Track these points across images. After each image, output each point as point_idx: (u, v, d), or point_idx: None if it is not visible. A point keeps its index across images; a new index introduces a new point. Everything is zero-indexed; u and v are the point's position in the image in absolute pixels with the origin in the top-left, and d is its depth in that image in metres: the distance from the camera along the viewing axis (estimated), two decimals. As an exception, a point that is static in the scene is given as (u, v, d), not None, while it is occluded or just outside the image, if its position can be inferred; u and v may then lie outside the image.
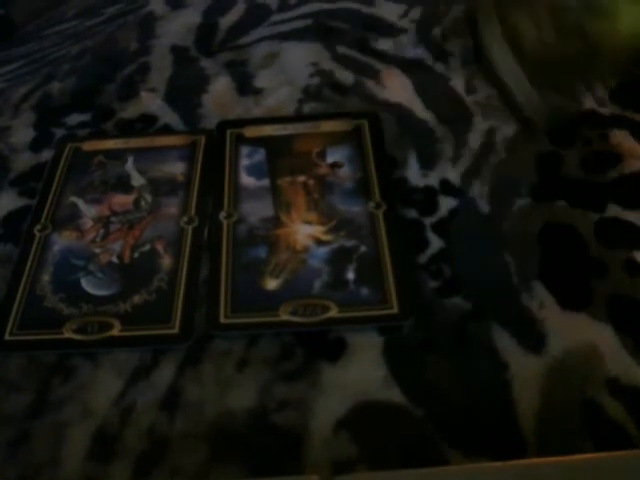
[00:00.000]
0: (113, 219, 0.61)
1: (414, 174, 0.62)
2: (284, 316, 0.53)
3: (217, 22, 0.81)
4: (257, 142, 0.66)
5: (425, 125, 0.67)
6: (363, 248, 0.56)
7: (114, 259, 0.57)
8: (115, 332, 0.53)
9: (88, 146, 0.67)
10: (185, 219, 0.60)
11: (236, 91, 0.72)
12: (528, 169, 0.62)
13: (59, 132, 0.70)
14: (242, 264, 0.56)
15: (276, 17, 0.80)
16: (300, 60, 0.74)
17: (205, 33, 0.79)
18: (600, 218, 0.58)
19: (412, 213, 0.59)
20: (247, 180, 0.62)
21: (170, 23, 0.82)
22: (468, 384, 0.49)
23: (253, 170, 0.63)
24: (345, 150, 0.64)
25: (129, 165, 0.65)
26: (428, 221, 0.59)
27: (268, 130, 0.67)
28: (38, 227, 0.60)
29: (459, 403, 0.48)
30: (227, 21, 0.81)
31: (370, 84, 0.71)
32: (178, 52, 0.78)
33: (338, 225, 0.58)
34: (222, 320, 0.53)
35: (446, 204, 0.60)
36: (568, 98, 0.66)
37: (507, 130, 0.65)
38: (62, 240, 0.59)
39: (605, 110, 0.66)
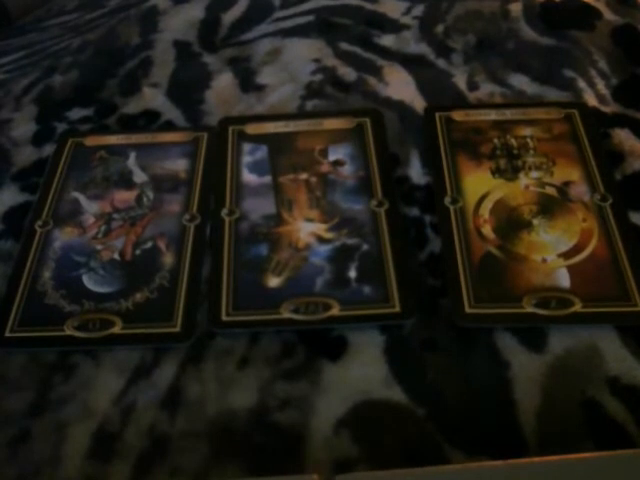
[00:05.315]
0: (115, 215, 0.60)
1: (416, 172, 0.62)
2: (286, 314, 0.53)
3: (220, 17, 0.80)
4: (259, 139, 0.65)
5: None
6: (365, 246, 0.56)
7: (116, 256, 0.57)
8: (116, 330, 0.53)
9: (90, 141, 0.67)
10: (187, 216, 0.60)
11: (239, 87, 0.72)
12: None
13: (61, 126, 0.70)
14: (244, 262, 0.56)
15: (279, 13, 0.80)
16: (303, 57, 0.74)
17: (208, 28, 0.79)
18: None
19: (414, 211, 0.59)
20: (249, 177, 0.62)
21: (172, 17, 0.82)
22: (469, 383, 0.49)
23: (255, 167, 0.63)
24: (347, 148, 0.64)
25: (131, 161, 0.65)
26: (428, 219, 0.59)
27: (270, 127, 0.66)
28: (39, 223, 0.60)
29: (460, 402, 0.48)
30: (230, 17, 0.80)
31: (372, 81, 0.71)
32: (181, 47, 0.78)
33: (340, 223, 0.58)
34: (224, 318, 0.53)
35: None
36: None
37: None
38: (63, 236, 0.59)
39: (607, 109, 0.66)
